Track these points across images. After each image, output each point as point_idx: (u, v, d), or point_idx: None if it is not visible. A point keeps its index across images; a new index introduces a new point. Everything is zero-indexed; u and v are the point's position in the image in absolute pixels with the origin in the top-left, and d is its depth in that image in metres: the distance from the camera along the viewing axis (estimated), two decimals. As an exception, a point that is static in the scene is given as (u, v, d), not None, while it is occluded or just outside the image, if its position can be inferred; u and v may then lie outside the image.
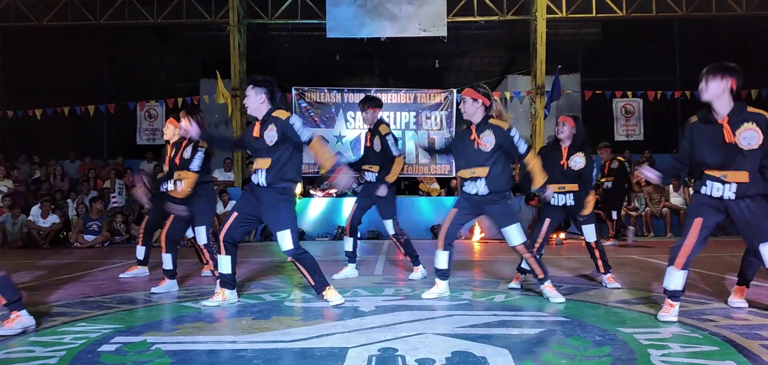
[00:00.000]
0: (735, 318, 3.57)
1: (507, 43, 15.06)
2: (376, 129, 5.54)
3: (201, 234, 5.01)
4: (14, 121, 13.66)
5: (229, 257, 4.20)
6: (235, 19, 12.86)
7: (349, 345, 2.99)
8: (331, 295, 4.15)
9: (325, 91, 13.67)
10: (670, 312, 3.52)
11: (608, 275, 4.97)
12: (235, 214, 4.21)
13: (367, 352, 2.85)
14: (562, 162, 4.88)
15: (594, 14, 12.95)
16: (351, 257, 5.66)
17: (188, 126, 4.32)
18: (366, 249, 9.07)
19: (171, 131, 5.51)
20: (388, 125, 5.66)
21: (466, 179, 4.30)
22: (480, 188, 4.21)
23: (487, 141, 4.19)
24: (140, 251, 5.95)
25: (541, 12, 12.65)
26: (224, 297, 4.22)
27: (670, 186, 12.44)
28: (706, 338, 3.09)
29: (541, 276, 4.29)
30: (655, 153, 13.68)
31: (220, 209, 11.77)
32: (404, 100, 13.55)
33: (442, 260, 4.42)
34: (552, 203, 4.82)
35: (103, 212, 11.23)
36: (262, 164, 4.07)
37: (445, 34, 12.78)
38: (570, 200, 4.89)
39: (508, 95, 14.02)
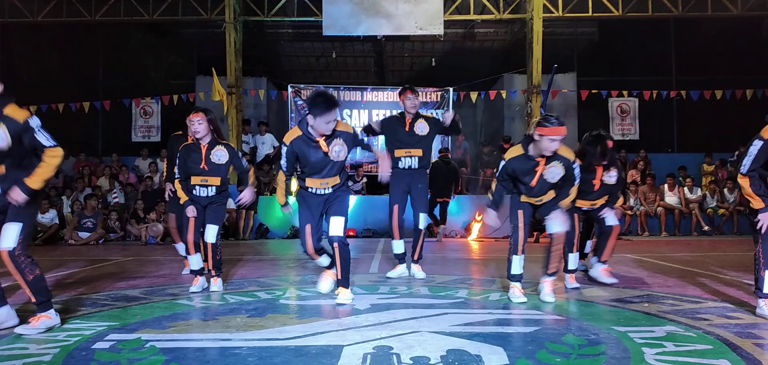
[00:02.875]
0: (729, 317, 3.59)
1: (503, 41, 15.08)
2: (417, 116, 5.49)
3: (212, 233, 4.87)
4: (9, 117, 13.57)
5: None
6: (231, 16, 12.82)
7: (344, 343, 2.99)
8: (345, 295, 4.16)
9: (321, 88, 13.65)
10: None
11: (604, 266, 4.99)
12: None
13: (362, 350, 2.85)
14: (594, 181, 4.86)
15: (590, 14, 12.97)
16: (401, 258, 5.59)
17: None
18: (361, 247, 9.07)
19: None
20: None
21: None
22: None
23: (555, 174, 4.17)
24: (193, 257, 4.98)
25: (538, 11, 12.66)
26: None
27: (665, 186, 12.48)
28: (700, 337, 3.10)
29: (553, 270, 4.31)
30: (650, 153, 13.72)
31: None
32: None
33: (517, 265, 4.32)
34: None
35: (97, 210, 11.20)
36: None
37: (442, 33, 12.78)
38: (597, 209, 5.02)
39: (503, 93, 14.03)
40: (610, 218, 5.03)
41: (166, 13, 13.16)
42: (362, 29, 12.78)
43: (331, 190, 4.26)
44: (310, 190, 4.26)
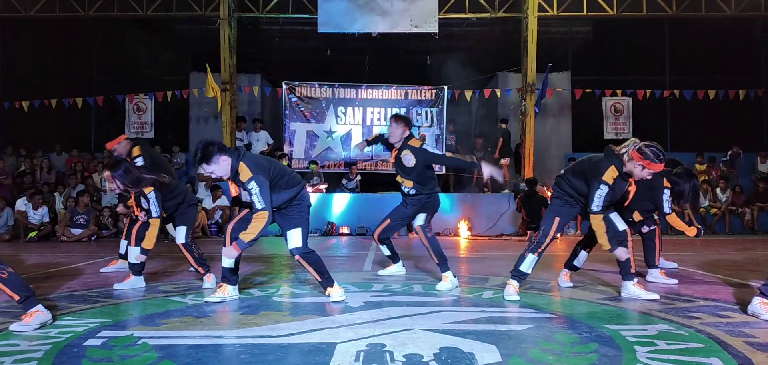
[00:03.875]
0: (720, 315, 3.61)
1: (498, 40, 15.09)
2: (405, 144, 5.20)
3: (181, 234, 5.03)
4: (1, 113, 13.50)
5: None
6: (225, 12, 12.78)
7: (337, 340, 2.99)
8: (335, 291, 4.18)
9: (316, 86, 13.63)
10: None
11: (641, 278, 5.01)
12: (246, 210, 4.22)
13: (355, 347, 2.85)
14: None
15: (585, 13, 13.00)
16: (393, 258, 5.54)
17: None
18: (354, 245, 9.06)
19: None
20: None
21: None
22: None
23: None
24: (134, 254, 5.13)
25: (533, 10, 12.68)
26: (226, 292, 4.19)
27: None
28: (691, 335, 3.11)
29: (633, 270, 4.31)
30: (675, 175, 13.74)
31: (208, 203, 11.73)
32: (395, 96, 13.55)
33: (528, 264, 4.35)
34: None
35: (90, 206, 11.14)
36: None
37: (437, 31, 12.78)
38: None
39: (498, 92, 14.05)
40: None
41: (160, 8, 13.11)
42: (357, 27, 12.76)
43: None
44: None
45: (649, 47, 15.06)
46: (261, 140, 13.18)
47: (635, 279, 4.30)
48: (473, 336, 3.07)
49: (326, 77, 13.96)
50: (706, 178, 12.98)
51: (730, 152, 13.54)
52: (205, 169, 3.96)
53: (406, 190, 5.06)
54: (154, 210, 4.82)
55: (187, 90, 13.96)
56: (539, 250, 4.30)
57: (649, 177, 4.06)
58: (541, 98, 12.97)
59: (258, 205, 3.88)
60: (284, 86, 13.53)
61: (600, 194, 4.03)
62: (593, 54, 14.74)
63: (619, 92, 13.98)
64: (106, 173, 4.97)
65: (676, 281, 4.99)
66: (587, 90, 13.74)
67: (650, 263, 5.13)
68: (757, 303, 3.55)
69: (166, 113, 14.52)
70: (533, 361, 2.64)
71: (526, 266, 4.30)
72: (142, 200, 4.91)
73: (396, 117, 5.19)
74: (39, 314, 3.31)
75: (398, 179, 5.10)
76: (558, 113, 14.65)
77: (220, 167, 3.95)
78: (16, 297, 3.31)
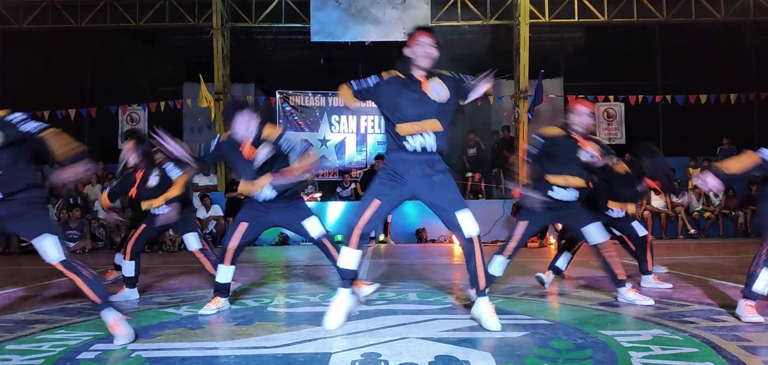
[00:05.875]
0: (715, 320, 3.62)
1: (490, 47, 15.14)
2: None
3: (193, 241, 4.99)
4: (-7, 125, 13.42)
5: (233, 267, 4.23)
6: (218, 22, 12.79)
7: (332, 350, 2.98)
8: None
9: (310, 94, 13.66)
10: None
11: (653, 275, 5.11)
12: (245, 224, 4.19)
13: (350, 357, 2.84)
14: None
15: (576, 19, 13.10)
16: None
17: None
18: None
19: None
20: None
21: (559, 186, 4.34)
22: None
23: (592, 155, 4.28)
24: (129, 267, 4.97)
25: (524, 17, 12.75)
26: (220, 305, 4.15)
27: (651, 190, 12.57)
28: (686, 340, 3.12)
29: (622, 277, 4.32)
30: (636, 156, 13.83)
31: (202, 214, 11.69)
32: (389, 104, 13.54)
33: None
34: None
35: (81, 219, 11.08)
36: None
37: (429, 39, 12.81)
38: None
39: (491, 99, 14.09)
40: (641, 228, 5.14)
41: (153, 19, 13.11)
42: (350, 35, 12.80)
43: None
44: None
45: (641, 53, 15.17)
46: (255, 150, 13.15)
47: (629, 285, 4.32)
48: (469, 344, 3.06)
49: (320, 86, 13.98)
50: (700, 182, 13.02)
51: (718, 149, 13.59)
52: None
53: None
54: (175, 173, 4.82)
55: (181, 100, 13.95)
56: (507, 253, 4.40)
57: (588, 121, 4.24)
58: (537, 104, 13.02)
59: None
60: (278, 95, 13.55)
61: (531, 142, 4.34)
62: (585, 60, 14.83)
63: (611, 97, 14.06)
64: (129, 144, 4.88)
65: (670, 285, 5.00)
66: (579, 96, 13.79)
67: (644, 269, 5.15)
68: (742, 306, 3.60)
69: (160, 123, 14.46)
70: (528, 368, 2.63)
71: (493, 269, 4.35)
72: (153, 175, 4.87)
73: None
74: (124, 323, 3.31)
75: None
76: (551, 119, 14.67)
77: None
78: (98, 300, 3.31)
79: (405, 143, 3.45)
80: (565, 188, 4.29)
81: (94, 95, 14.88)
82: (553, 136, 4.35)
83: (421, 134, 3.43)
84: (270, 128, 4.16)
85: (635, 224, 5.18)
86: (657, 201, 12.49)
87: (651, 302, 4.17)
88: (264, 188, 4.11)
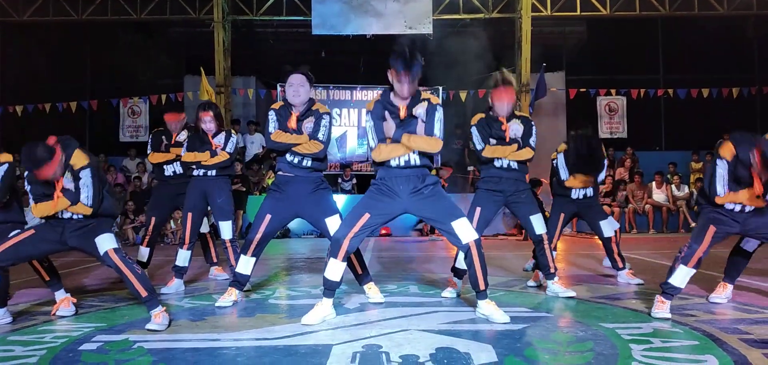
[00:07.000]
0: (715, 312, 3.62)
1: (492, 40, 15.11)
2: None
3: (227, 230, 4.95)
4: (-6, 118, 13.45)
5: (254, 259, 4.15)
6: (219, 15, 12.76)
7: (334, 342, 2.99)
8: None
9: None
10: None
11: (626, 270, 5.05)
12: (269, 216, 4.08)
13: (352, 349, 2.85)
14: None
15: (578, 13, 13.04)
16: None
17: None
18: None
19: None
20: None
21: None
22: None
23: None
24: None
25: (526, 10, 12.71)
26: (235, 297, 4.11)
27: (653, 183, 12.57)
28: (686, 332, 3.13)
29: (552, 270, 4.36)
30: (637, 150, 13.81)
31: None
32: (390, 97, 13.52)
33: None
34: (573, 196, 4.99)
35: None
36: None
37: (431, 32, 12.79)
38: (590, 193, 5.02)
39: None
40: (607, 229, 5.03)
41: (154, 12, 13.07)
42: (351, 28, 12.76)
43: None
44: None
45: (643, 47, 15.11)
46: (256, 143, 13.16)
47: (556, 277, 4.36)
48: (469, 336, 3.07)
49: (321, 79, 13.93)
50: (702, 175, 13.01)
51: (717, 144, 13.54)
52: None
53: None
54: (230, 144, 4.93)
55: (182, 93, 13.91)
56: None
57: (507, 105, 4.23)
58: (541, 97, 12.96)
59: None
60: (279, 88, 13.50)
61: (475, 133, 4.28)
62: (587, 54, 14.77)
63: (613, 91, 14.02)
64: (207, 114, 4.99)
65: (642, 281, 4.93)
66: (581, 90, 13.78)
67: (616, 266, 5.07)
68: (656, 301, 3.59)
69: (161, 116, 14.46)
70: (529, 360, 2.64)
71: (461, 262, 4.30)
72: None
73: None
74: (164, 314, 3.43)
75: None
76: (552, 113, 14.66)
77: None
78: (144, 294, 3.39)
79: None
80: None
81: (94, 87, 14.86)
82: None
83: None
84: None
85: (603, 224, 5.03)
86: (658, 195, 12.48)
87: (573, 294, 4.22)
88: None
